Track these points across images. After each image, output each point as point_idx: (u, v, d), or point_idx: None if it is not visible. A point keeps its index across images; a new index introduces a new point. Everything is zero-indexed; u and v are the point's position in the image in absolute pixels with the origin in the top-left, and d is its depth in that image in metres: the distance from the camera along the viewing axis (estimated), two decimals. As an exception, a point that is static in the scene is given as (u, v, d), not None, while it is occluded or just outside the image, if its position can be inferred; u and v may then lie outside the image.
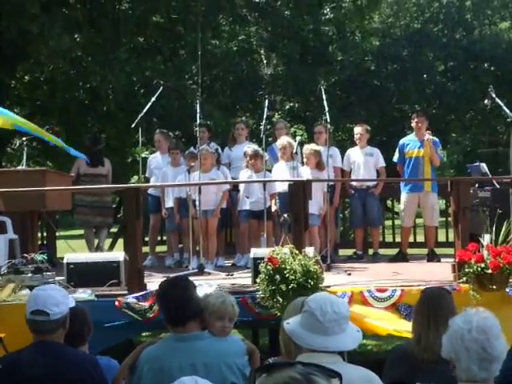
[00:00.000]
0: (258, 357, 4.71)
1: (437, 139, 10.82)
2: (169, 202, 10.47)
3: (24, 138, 9.85)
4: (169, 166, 10.54)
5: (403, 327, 6.79)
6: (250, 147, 10.27)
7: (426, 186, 10.29)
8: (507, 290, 7.22)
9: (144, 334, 9.09)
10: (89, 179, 10.78)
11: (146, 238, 11.44)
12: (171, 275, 8.59)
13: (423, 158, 10.33)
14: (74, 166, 11.15)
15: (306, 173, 9.76)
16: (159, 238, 12.03)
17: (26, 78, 18.00)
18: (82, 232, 11.77)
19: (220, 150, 10.87)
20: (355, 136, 10.93)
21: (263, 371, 2.18)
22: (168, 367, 4.25)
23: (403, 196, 10.50)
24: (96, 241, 11.29)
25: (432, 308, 4.61)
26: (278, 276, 6.88)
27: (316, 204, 9.58)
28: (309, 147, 10.05)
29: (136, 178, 14.90)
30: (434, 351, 4.08)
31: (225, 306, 4.69)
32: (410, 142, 10.54)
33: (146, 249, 11.21)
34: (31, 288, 5.87)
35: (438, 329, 4.40)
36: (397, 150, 10.69)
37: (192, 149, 10.51)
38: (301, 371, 2.07)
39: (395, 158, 10.73)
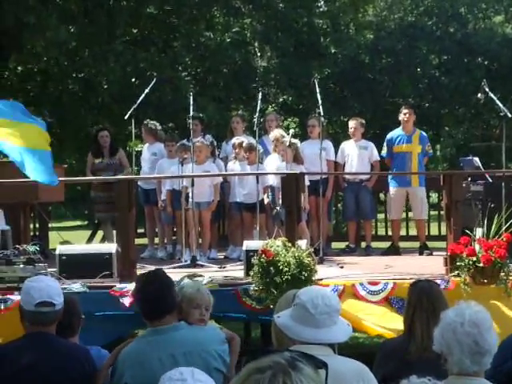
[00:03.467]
0: (238, 343, 4.73)
1: (425, 134, 10.86)
2: (164, 194, 10.45)
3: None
4: (165, 158, 10.52)
5: (394, 323, 6.81)
6: (240, 139, 10.26)
7: (413, 182, 10.33)
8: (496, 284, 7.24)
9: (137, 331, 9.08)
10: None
11: (139, 230, 11.43)
12: (164, 267, 8.65)
13: (411, 153, 10.37)
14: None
15: (282, 166, 9.42)
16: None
17: (19, 68, 17.93)
18: (74, 224, 11.75)
19: (215, 143, 10.85)
20: (349, 130, 10.91)
21: (251, 356, 2.20)
22: (148, 361, 4.24)
23: (391, 190, 10.57)
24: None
25: (431, 304, 4.59)
26: (272, 268, 6.90)
27: None
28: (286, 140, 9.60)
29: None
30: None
31: (200, 294, 4.77)
32: (397, 136, 10.56)
33: (140, 240, 11.21)
34: (23, 279, 5.86)
35: (436, 325, 4.41)
36: (384, 144, 10.70)
37: (184, 141, 10.51)
38: (286, 357, 2.08)
39: (383, 153, 10.74)
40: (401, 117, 10.56)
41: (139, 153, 11.70)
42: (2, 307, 6.99)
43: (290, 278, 6.83)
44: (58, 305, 4.35)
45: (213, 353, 4.31)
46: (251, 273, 7.07)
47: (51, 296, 4.33)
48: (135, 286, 4.60)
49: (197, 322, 4.65)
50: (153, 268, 8.61)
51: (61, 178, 9.60)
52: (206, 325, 4.74)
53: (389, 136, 10.72)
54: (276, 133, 9.95)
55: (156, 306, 4.39)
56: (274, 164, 9.76)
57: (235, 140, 10.27)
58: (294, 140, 9.91)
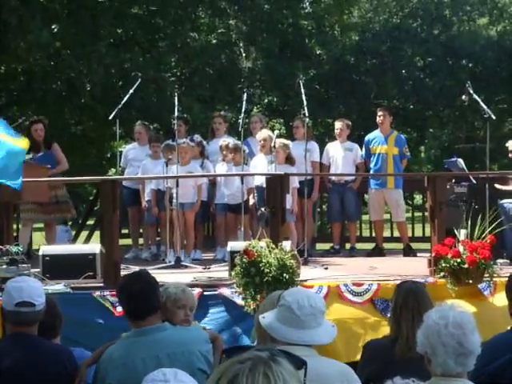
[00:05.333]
0: (222, 343, 4.84)
1: (402, 136, 10.89)
2: (148, 195, 10.41)
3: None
4: (149, 159, 10.48)
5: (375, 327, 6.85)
6: (226, 141, 10.24)
7: (388, 183, 10.38)
8: (479, 285, 7.25)
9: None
10: None
11: (123, 231, 11.38)
12: (148, 268, 8.62)
13: (386, 154, 10.41)
14: None
15: (271, 167, 9.35)
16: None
17: (3, 68, 17.83)
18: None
19: (204, 143, 10.79)
20: (335, 131, 10.93)
21: (231, 353, 2.19)
22: (131, 362, 4.21)
23: (370, 191, 10.63)
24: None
25: (417, 305, 4.59)
26: (253, 269, 6.88)
27: (287, 199, 9.45)
28: (277, 141, 9.59)
29: (114, 170, 14.83)
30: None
31: (186, 294, 4.81)
32: (374, 137, 10.61)
33: (125, 241, 11.16)
34: (6, 280, 5.82)
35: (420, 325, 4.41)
36: (363, 146, 10.75)
37: (170, 141, 10.47)
38: (266, 353, 2.08)
39: (363, 154, 10.78)
40: (377, 119, 10.62)
41: (121, 153, 11.62)
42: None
43: (270, 279, 6.80)
44: (38, 305, 4.32)
45: (197, 353, 4.31)
46: (233, 273, 7.05)
47: (32, 296, 4.31)
48: (119, 285, 4.59)
49: (181, 323, 4.66)
50: (137, 268, 8.65)
51: (45, 179, 9.54)
52: (190, 325, 4.75)
53: (366, 137, 10.80)
54: (264, 133, 9.94)
55: (140, 305, 4.38)
56: (261, 164, 9.74)
57: (222, 142, 10.24)
58: (286, 141, 9.92)
